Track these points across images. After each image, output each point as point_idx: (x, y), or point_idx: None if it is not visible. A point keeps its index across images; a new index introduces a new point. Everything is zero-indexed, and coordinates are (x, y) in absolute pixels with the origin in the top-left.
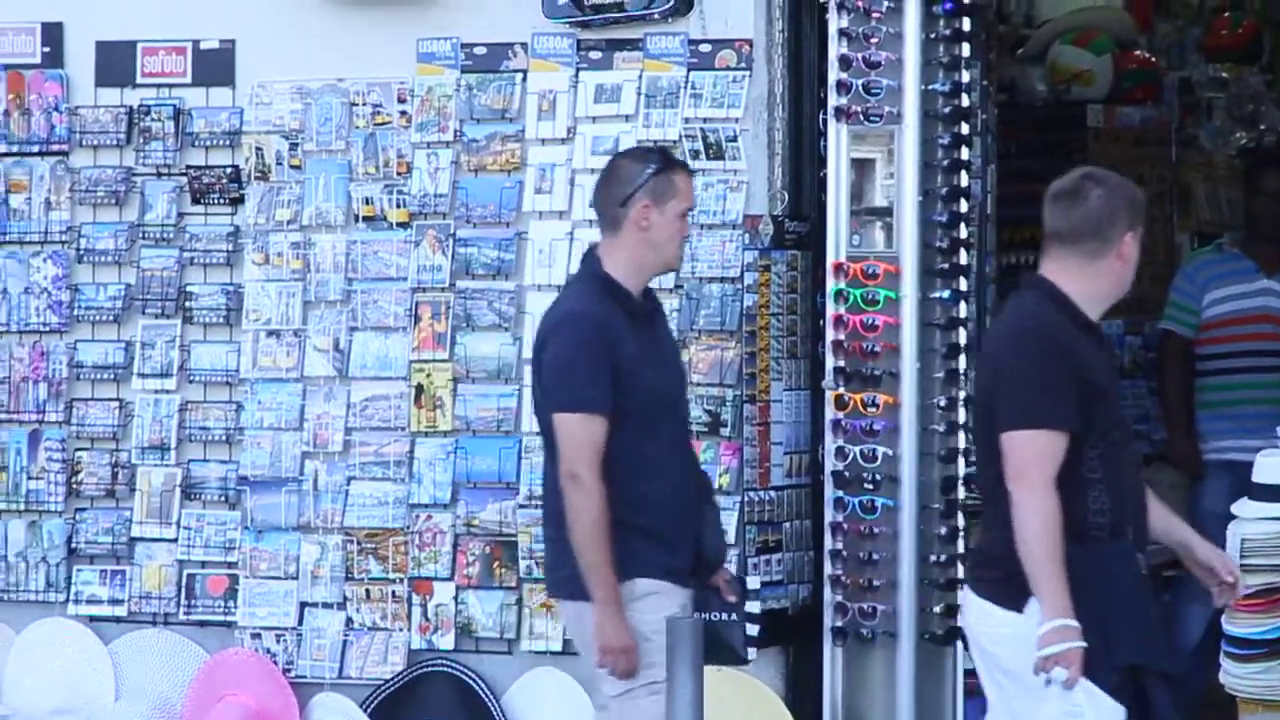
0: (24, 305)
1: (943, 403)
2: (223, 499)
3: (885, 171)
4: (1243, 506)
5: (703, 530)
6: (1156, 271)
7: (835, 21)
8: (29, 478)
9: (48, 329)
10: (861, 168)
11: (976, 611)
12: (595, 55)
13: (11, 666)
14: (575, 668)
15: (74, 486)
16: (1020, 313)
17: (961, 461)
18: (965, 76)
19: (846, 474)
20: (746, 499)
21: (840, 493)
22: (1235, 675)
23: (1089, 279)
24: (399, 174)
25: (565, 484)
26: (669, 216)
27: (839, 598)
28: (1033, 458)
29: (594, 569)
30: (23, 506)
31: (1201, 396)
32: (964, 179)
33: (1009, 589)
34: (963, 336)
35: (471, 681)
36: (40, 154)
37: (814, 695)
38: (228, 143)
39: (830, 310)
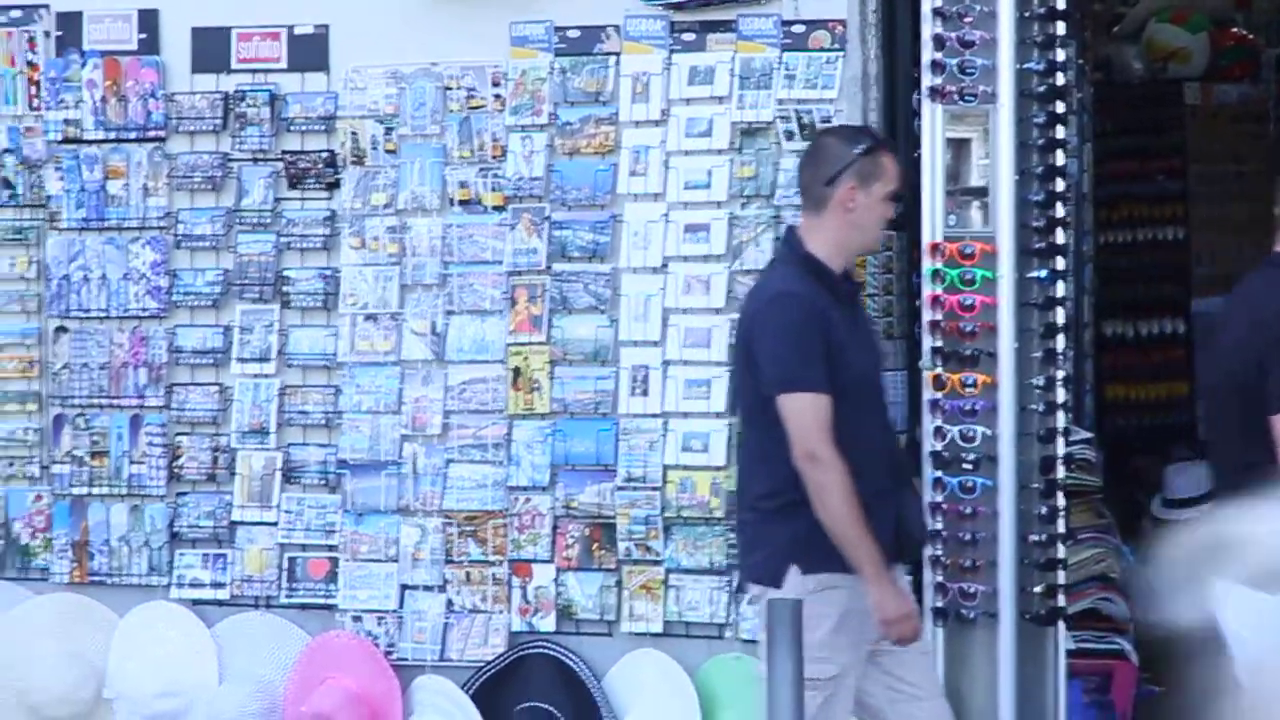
0: (123, 291)
1: (1041, 382)
2: (323, 482)
3: (981, 151)
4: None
5: (904, 513)
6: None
7: (929, 1)
8: (131, 462)
9: (147, 314)
10: (957, 147)
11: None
12: (688, 37)
13: (116, 650)
14: (675, 649)
15: (175, 471)
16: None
17: (1061, 441)
18: (1060, 55)
19: (945, 454)
20: None
21: (939, 473)
22: None
23: None
24: (494, 157)
25: (804, 465)
26: (874, 198)
27: (939, 578)
28: None
29: (855, 543)
30: (125, 491)
31: None
32: (1060, 158)
33: None
34: (1060, 316)
35: (572, 663)
36: (137, 140)
37: None
38: (323, 128)
39: (926, 291)
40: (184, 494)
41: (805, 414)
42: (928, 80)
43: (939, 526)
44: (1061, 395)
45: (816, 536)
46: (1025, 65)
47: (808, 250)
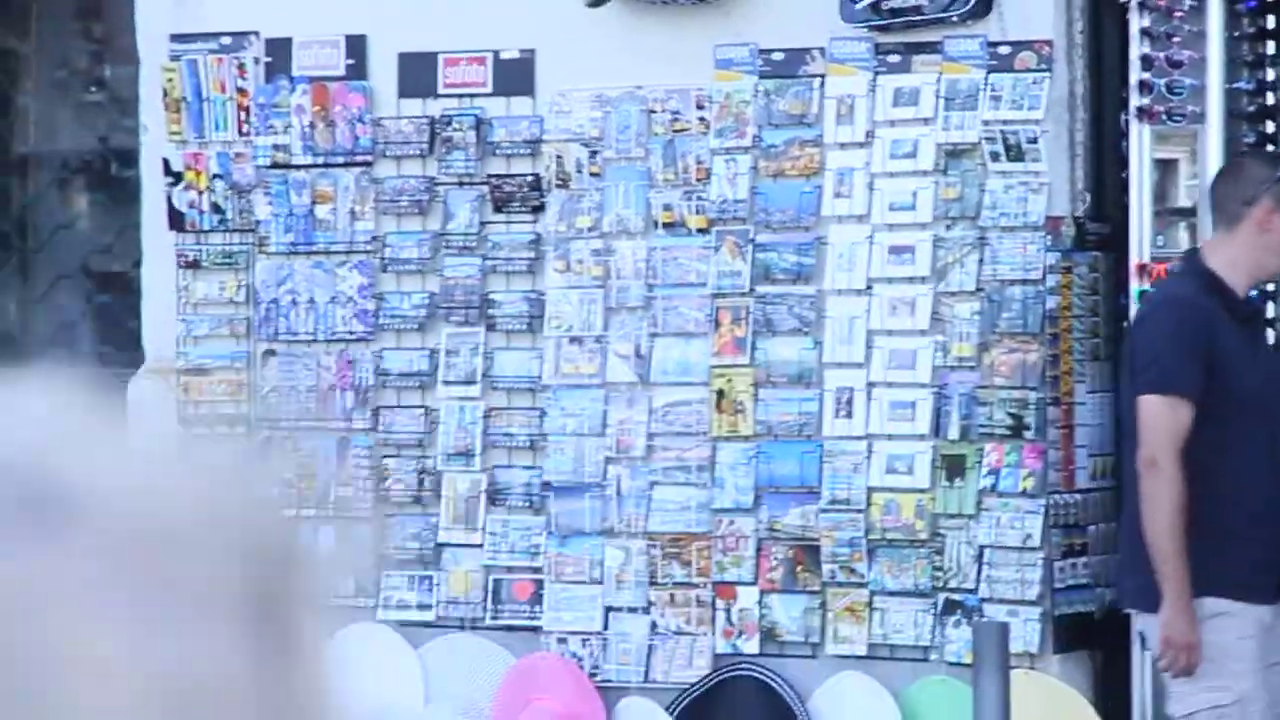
0: (330, 314)
1: None
2: (527, 504)
3: (1189, 171)
4: None
5: None
6: None
7: (1136, 21)
8: (338, 485)
9: (354, 337)
10: (1165, 168)
11: None
12: (893, 59)
13: None
14: (880, 671)
15: (381, 493)
16: None
17: None
18: (1270, 74)
19: None
20: (1051, 502)
21: None
22: None
23: None
24: (698, 180)
25: (1142, 469)
26: None
27: None
28: None
29: (1166, 559)
30: (332, 513)
31: None
32: None
33: None
34: (1270, 336)
35: (776, 685)
36: (345, 165)
37: (1123, 699)
38: (528, 151)
39: (1133, 311)
40: (390, 516)
41: (1160, 418)
42: (1135, 100)
43: None
44: None
45: (1204, 559)
46: (1234, 84)
47: (1209, 266)
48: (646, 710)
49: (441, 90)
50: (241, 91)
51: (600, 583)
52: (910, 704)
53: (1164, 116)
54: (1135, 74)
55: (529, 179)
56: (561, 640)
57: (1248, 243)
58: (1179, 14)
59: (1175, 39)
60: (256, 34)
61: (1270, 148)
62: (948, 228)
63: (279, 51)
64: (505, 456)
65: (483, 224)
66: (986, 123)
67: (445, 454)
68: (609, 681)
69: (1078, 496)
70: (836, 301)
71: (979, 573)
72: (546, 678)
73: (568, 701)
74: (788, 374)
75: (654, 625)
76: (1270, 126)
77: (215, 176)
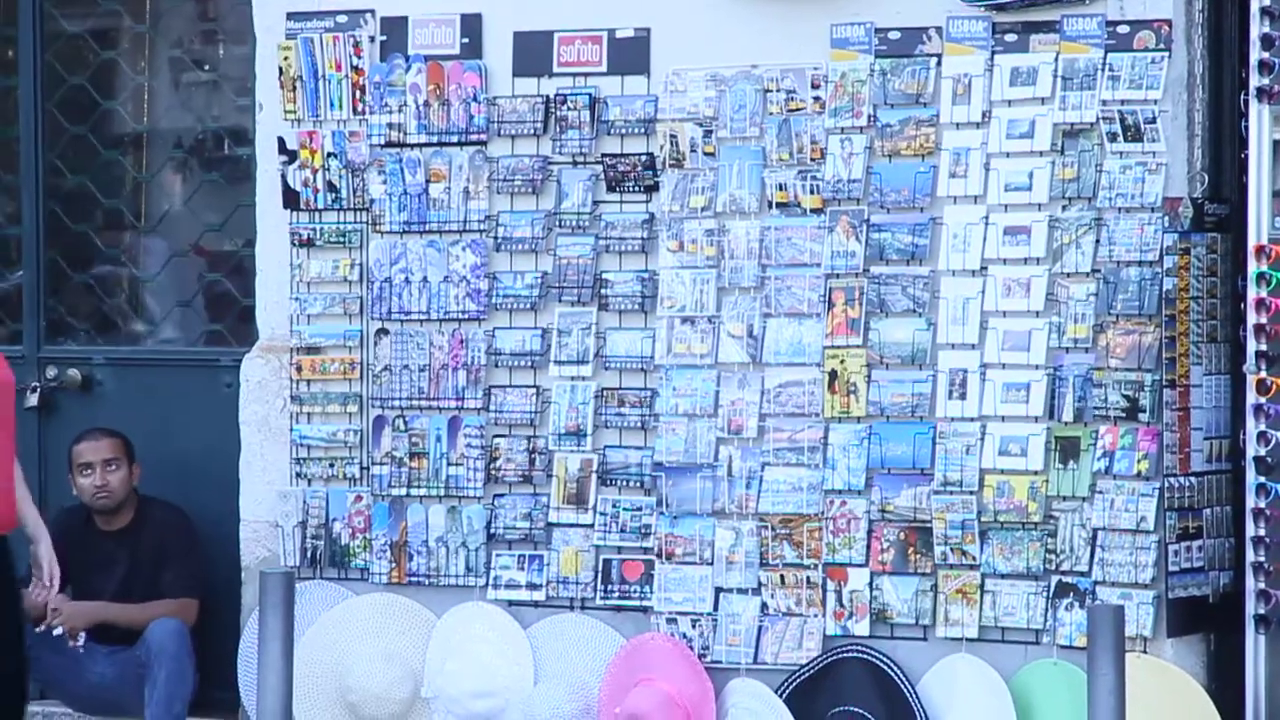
0: (443, 294)
1: None
2: (638, 484)
3: None
4: None
5: None
6: None
7: (1257, 0)
8: (449, 464)
9: (466, 317)
10: None
11: None
12: (1010, 38)
13: (434, 650)
14: (991, 654)
15: (492, 472)
16: None
17: None
18: None
19: (1269, 459)
20: (1166, 485)
21: (1263, 478)
22: None
23: None
24: (812, 160)
25: None
26: None
27: (1262, 584)
28: None
29: None
30: (443, 492)
31: None
32: None
33: None
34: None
35: (887, 668)
36: (459, 144)
37: (1236, 684)
38: (642, 130)
39: (1251, 294)
40: (501, 495)
41: None
42: (1255, 80)
43: (1261, 532)
44: None
45: None
46: None
47: None
48: (756, 692)
49: (556, 69)
50: (356, 70)
51: (710, 563)
52: (1021, 687)
53: None
54: (1255, 53)
55: (643, 158)
56: (671, 621)
57: None
58: None
59: None
60: (372, 12)
61: None
62: (1064, 208)
63: (394, 30)
64: (616, 436)
65: (596, 203)
66: (1104, 103)
67: (556, 434)
68: (718, 662)
69: (1192, 479)
70: (950, 282)
71: (1092, 555)
72: (656, 658)
73: (677, 682)
74: (901, 355)
75: (764, 606)
76: None
77: (330, 155)
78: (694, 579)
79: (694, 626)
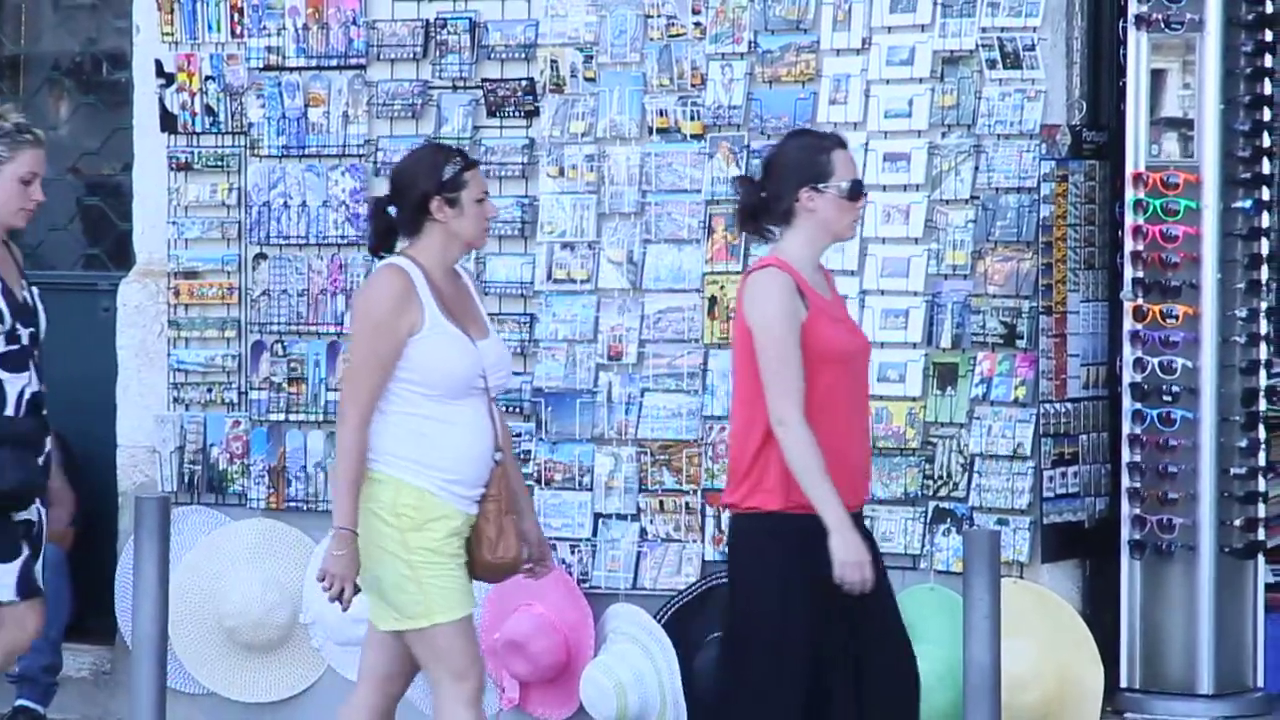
0: (322, 218)
1: (1244, 314)
2: (518, 410)
3: (1180, 82)
4: None
5: None
6: None
7: None
8: (328, 389)
9: (345, 241)
10: (1157, 77)
11: None
12: None
13: (311, 575)
14: None
15: None
16: None
17: (1263, 373)
18: None
19: (1145, 386)
20: (1043, 411)
21: (1138, 405)
22: None
23: None
24: (693, 85)
25: None
26: None
27: (1137, 511)
28: None
29: None
30: (322, 418)
31: None
32: (1268, 86)
33: None
34: (1265, 246)
35: None
36: (338, 68)
37: (1111, 609)
38: (523, 55)
39: (1129, 220)
40: None
41: None
42: (1134, 8)
43: (1137, 458)
44: (1265, 327)
45: None
46: None
47: None
48: (635, 617)
49: None
50: None
51: (590, 489)
52: None
53: (1162, 24)
54: None
55: (523, 83)
56: (551, 547)
57: None
58: None
59: None
60: None
61: (1269, 56)
62: (943, 135)
63: None
64: None
65: (476, 128)
66: (984, 30)
67: None
68: (597, 588)
69: (1069, 406)
70: None
71: (969, 481)
72: (535, 584)
73: (556, 608)
74: None
75: (643, 532)
76: (1269, 35)
77: (207, 78)
78: (573, 505)
79: (573, 552)
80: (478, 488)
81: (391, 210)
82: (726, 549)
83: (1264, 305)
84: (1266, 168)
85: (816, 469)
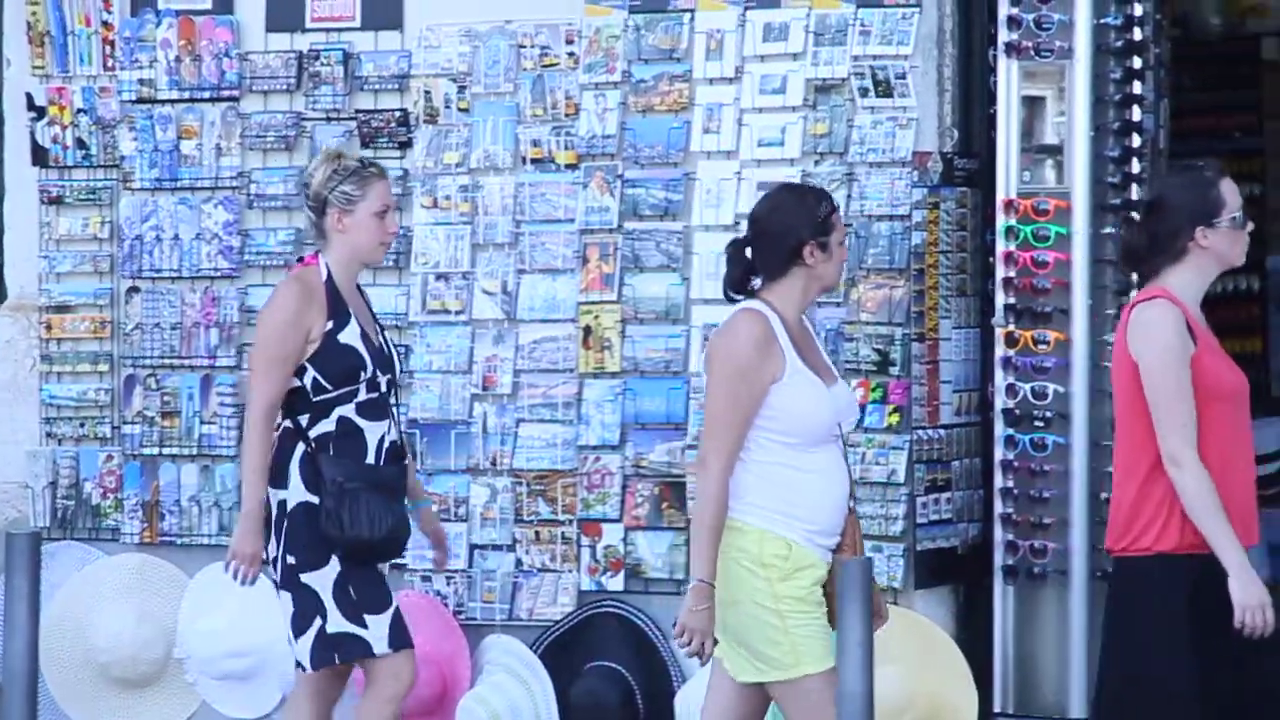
0: (195, 251)
1: (1114, 339)
2: None
3: (1056, 109)
4: None
5: None
6: None
7: None
8: (201, 422)
9: (219, 274)
10: (1033, 104)
11: None
12: None
13: (185, 610)
14: None
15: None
16: None
17: None
18: (1138, 10)
19: (1017, 411)
20: (915, 437)
21: (1010, 430)
22: None
23: None
24: (567, 115)
25: None
26: None
27: (1009, 536)
28: None
29: None
30: (196, 451)
31: None
32: (1136, 113)
33: None
34: (1135, 274)
35: (641, 622)
36: (211, 100)
37: (984, 634)
38: (396, 86)
39: (1000, 247)
40: None
41: None
42: (1004, 36)
43: (1009, 484)
44: None
45: None
46: (1102, 20)
47: None
48: (511, 648)
49: (309, 24)
50: (106, 25)
51: (465, 520)
52: None
53: (1032, 52)
54: (1004, 9)
55: (397, 114)
56: (426, 578)
57: None
58: None
59: None
60: None
61: (1137, 83)
62: (816, 163)
63: None
64: None
65: None
66: (856, 58)
67: None
68: (473, 619)
69: (942, 432)
70: (704, 237)
71: None
72: (410, 615)
73: (431, 639)
74: (655, 310)
75: (519, 563)
76: (1137, 62)
77: (79, 111)
78: (449, 536)
79: (448, 583)
80: (835, 536)
81: (748, 252)
82: (1110, 595)
83: None
84: (1136, 194)
85: (1215, 509)
